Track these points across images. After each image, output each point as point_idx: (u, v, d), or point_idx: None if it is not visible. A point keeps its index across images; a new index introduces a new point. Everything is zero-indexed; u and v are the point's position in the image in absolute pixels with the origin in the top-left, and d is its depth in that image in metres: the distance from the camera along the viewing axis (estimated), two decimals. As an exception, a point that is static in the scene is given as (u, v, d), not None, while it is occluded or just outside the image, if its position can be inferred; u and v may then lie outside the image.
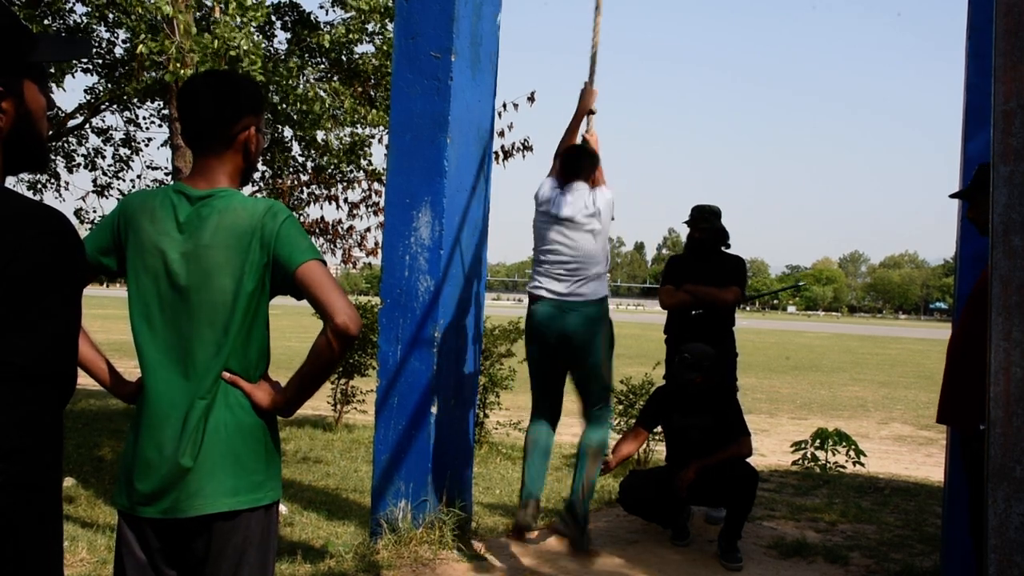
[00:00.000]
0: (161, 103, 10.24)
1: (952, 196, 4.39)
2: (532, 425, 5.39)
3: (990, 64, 1.73)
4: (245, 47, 7.23)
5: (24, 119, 1.52)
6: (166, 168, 9.78)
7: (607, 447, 5.41)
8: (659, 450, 8.69)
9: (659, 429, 6.47)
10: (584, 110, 5.49)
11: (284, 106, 9.18)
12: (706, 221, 6.23)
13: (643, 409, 6.01)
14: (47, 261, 1.36)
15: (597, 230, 5.15)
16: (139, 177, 12.38)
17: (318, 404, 11.52)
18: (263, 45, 8.94)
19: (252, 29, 7.37)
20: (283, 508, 6.14)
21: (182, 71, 6.86)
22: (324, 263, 2.26)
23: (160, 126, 12.11)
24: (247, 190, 2.49)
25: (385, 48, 9.65)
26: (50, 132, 1.61)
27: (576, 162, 5.28)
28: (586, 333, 5.13)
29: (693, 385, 5.52)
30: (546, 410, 5.40)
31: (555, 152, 5.49)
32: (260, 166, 9.69)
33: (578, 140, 5.49)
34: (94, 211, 12.06)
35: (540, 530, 5.57)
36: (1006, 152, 1.69)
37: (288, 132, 10.22)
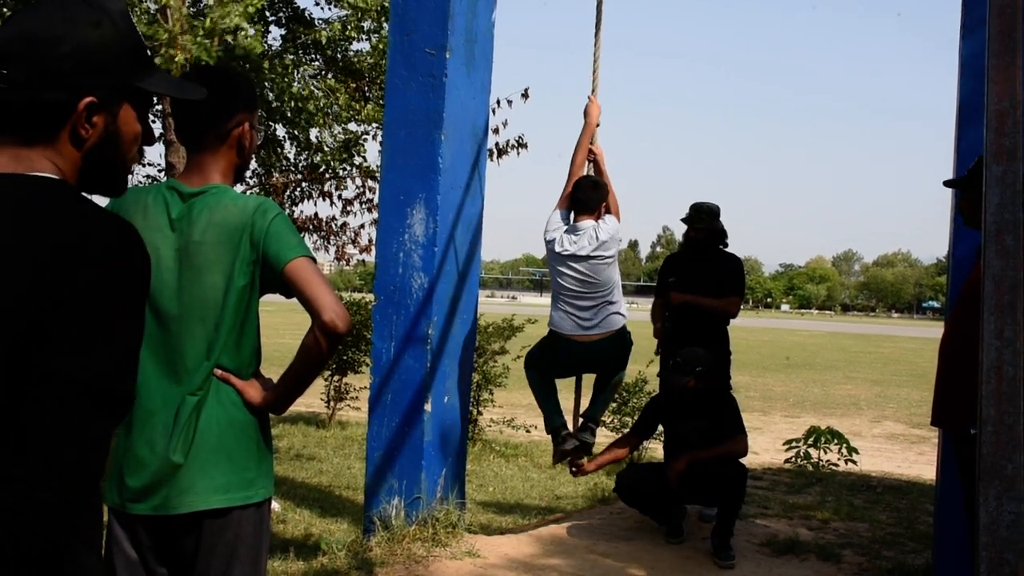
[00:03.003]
0: (155, 98, 10.22)
1: (946, 184, 4.40)
2: (536, 380, 5.75)
3: (983, 64, 1.73)
4: (237, 22, 7.18)
5: (112, 140, 1.47)
6: (159, 164, 9.74)
7: (623, 381, 6.06)
8: (652, 448, 8.70)
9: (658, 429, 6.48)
10: (592, 126, 5.67)
11: (279, 104, 9.14)
12: (703, 221, 6.11)
13: (639, 419, 6.05)
14: (113, 276, 1.32)
15: (606, 259, 5.43)
16: (132, 173, 12.34)
17: (311, 401, 11.50)
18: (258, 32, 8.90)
19: (249, 11, 7.31)
20: (276, 505, 6.13)
21: (176, 57, 6.82)
22: (313, 260, 2.26)
23: (154, 121, 12.08)
24: (239, 187, 2.48)
25: (380, 46, 9.62)
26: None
27: (584, 198, 5.57)
28: (610, 361, 5.62)
29: (686, 390, 5.54)
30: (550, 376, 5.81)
31: (567, 176, 5.70)
32: (252, 163, 9.66)
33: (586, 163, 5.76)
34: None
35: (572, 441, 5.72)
36: (999, 152, 1.69)
37: (281, 130, 10.19)
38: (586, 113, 5.69)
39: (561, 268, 5.48)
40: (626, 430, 8.41)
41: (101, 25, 1.42)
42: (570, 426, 5.73)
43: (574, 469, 5.83)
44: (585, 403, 5.84)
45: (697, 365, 5.52)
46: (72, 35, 1.40)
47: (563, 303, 5.48)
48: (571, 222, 5.58)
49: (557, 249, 5.47)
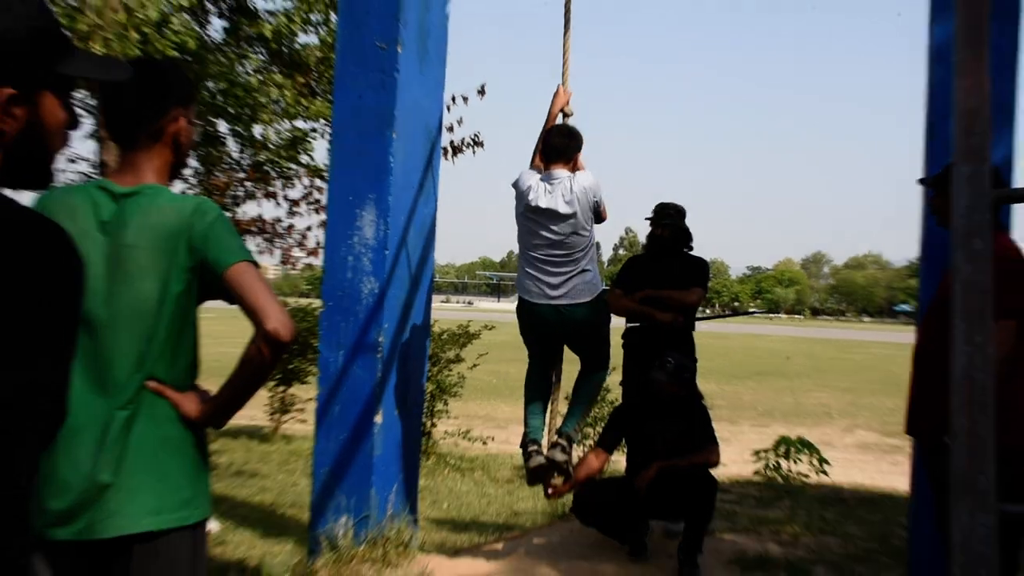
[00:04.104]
0: (87, 91, 10.08)
1: (921, 183, 4.46)
2: (531, 371, 5.71)
3: (952, 57, 1.75)
4: (154, 16, 7.12)
5: (35, 131, 1.44)
6: (91, 161, 9.59)
7: (604, 383, 5.92)
8: (617, 460, 8.73)
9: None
10: (555, 113, 5.62)
11: (220, 98, 9.07)
12: (670, 217, 6.16)
13: (604, 430, 6.02)
14: (45, 283, 1.28)
15: (579, 219, 5.24)
16: (60, 171, 12.18)
17: (254, 413, 11.41)
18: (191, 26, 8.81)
19: (183, 3, 7.25)
20: (214, 526, 6.07)
21: (93, 48, 6.75)
22: (256, 265, 2.24)
23: (80, 115, 11.89)
24: (176, 187, 2.45)
25: (329, 40, 9.58)
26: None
27: (559, 144, 5.40)
28: (584, 332, 5.46)
29: (666, 392, 5.54)
30: (545, 361, 5.72)
31: (533, 152, 5.62)
32: (192, 161, 9.56)
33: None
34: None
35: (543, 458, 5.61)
36: (968, 151, 1.71)
37: (223, 126, 10.11)
38: (553, 98, 5.70)
39: (530, 225, 5.34)
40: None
41: (11, 8, 1.39)
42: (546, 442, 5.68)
43: (549, 491, 5.68)
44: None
45: (686, 372, 5.55)
46: None
47: (531, 265, 5.35)
48: (543, 176, 5.41)
49: (530, 198, 5.28)
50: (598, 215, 5.41)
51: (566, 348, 5.64)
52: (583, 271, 5.31)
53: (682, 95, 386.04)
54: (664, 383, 5.53)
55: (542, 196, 5.27)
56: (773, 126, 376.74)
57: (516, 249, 5.56)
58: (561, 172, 5.33)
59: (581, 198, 5.23)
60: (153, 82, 2.29)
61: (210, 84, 9.00)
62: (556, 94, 5.68)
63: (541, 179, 5.35)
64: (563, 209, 5.22)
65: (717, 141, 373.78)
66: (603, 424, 9.46)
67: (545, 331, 5.46)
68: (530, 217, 5.32)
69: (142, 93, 2.26)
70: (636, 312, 6.08)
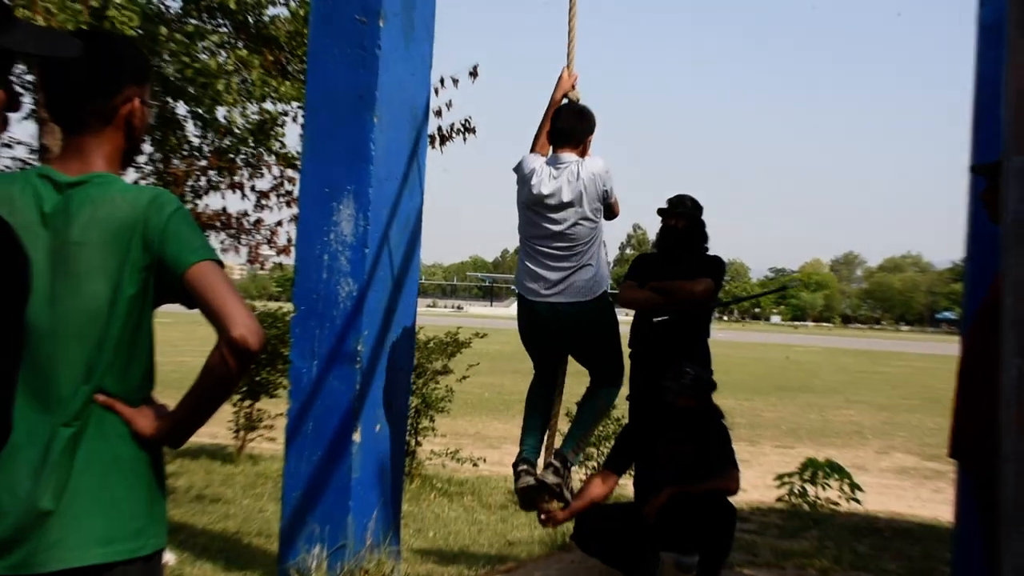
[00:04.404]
0: (24, 66, 10.06)
1: (973, 170, 4.45)
2: (533, 383, 5.73)
3: (1003, 38, 1.75)
4: None
5: None
6: (30, 146, 9.56)
7: (613, 403, 5.88)
8: (624, 484, 8.72)
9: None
10: (557, 101, 5.62)
11: (178, 77, 9.05)
12: (686, 206, 6.13)
13: (612, 450, 5.99)
14: None
15: (584, 208, 5.25)
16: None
17: (216, 431, 11.39)
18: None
19: None
20: (170, 557, 6.05)
21: (32, 17, 6.73)
22: (220, 264, 2.23)
23: (22, 95, 11.83)
24: (130, 176, 2.43)
25: (302, 12, 9.57)
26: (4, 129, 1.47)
27: (567, 127, 5.41)
28: (587, 336, 5.46)
29: (682, 408, 5.51)
30: (547, 372, 5.71)
31: (533, 139, 5.65)
32: (147, 147, 9.54)
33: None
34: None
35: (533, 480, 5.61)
36: (1020, 138, 1.70)
37: (183, 108, 10.08)
38: (557, 83, 5.70)
39: (531, 213, 5.34)
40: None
41: None
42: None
43: (543, 517, 5.64)
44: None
45: (704, 384, 5.53)
46: None
47: (531, 258, 5.36)
48: (549, 160, 5.43)
49: (533, 183, 5.29)
50: (608, 208, 5.41)
51: (573, 360, 5.63)
52: (586, 266, 5.31)
53: (699, 73, 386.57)
54: (679, 395, 5.50)
55: (546, 181, 5.28)
56: (801, 113, 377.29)
57: (512, 248, 5.56)
58: (569, 156, 5.34)
59: (589, 185, 5.24)
60: (103, 57, 2.26)
61: (166, 61, 8.98)
62: (560, 78, 5.68)
63: (546, 163, 5.36)
64: (568, 196, 5.22)
65: (737, 130, 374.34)
66: (609, 443, 9.49)
67: (543, 334, 5.47)
68: (532, 204, 5.33)
69: (91, 69, 2.24)
70: (650, 301, 6.04)
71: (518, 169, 5.46)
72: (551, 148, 5.46)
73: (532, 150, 5.58)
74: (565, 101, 5.64)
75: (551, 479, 5.45)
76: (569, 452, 5.59)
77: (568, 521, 5.71)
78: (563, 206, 5.23)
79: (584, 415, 5.68)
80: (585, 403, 5.68)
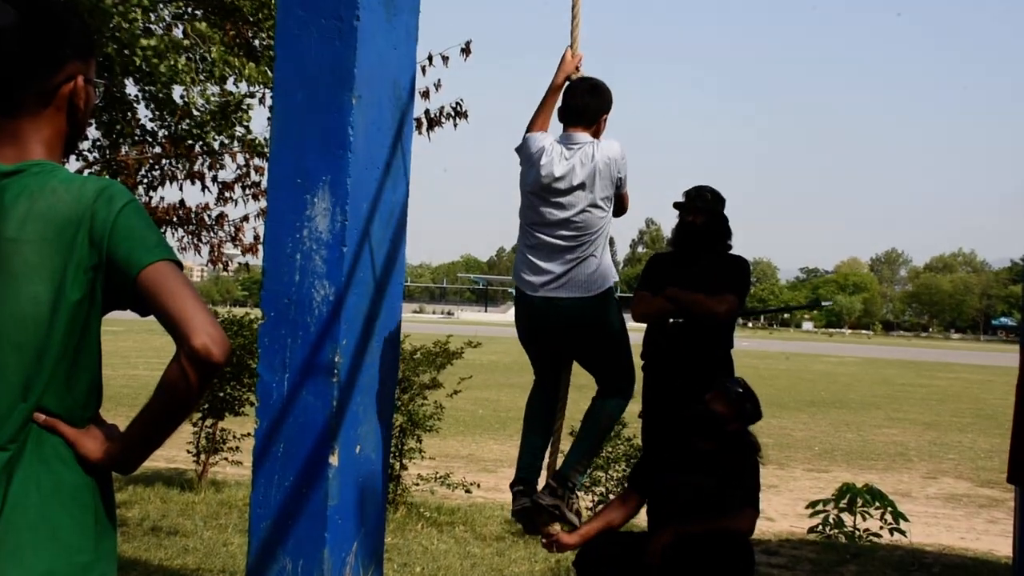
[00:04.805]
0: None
1: None
2: (532, 392, 5.76)
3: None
4: None
5: None
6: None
7: (620, 417, 5.95)
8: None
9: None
10: (560, 83, 5.62)
11: (127, 52, 9.04)
12: (705, 200, 6.09)
13: (634, 468, 5.98)
14: None
15: (596, 194, 5.27)
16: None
17: (174, 454, 11.40)
18: None
19: None
20: (126, 596, 6.05)
21: None
22: (179, 265, 2.23)
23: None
24: (73, 165, 2.43)
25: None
26: None
27: (579, 104, 5.44)
28: (589, 336, 5.47)
29: (718, 430, 5.47)
30: (548, 379, 5.73)
31: (530, 122, 5.64)
32: (92, 131, 9.53)
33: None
34: None
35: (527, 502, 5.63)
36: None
37: (133, 87, 10.07)
38: (559, 65, 5.69)
39: (535, 198, 5.35)
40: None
41: None
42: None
43: (544, 541, 5.66)
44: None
45: (750, 404, 5.54)
46: None
47: (531, 248, 5.38)
48: (559, 138, 5.44)
49: (543, 163, 5.28)
50: (619, 199, 5.42)
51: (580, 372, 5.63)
52: (591, 257, 5.32)
53: (718, 62, 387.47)
54: (721, 413, 5.45)
55: (556, 161, 5.30)
56: (834, 99, 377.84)
57: (509, 246, 5.57)
58: (583, 136, 5.37)
59: (603, 169, 5.26)
60: (42, 29, 2.26)
61: (109, 38, 8.97)
62: (563, 59, 5.67)
63: (557, 141, 5.38)
64: (580, 178, 5.24)
65: (765, 116, 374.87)
66: (620, 466, 9.49)
67: (540, 331, 5.49)
68: (537, 187, 5.34)
69: (27, 42, 2.23)
70: (664, 311, 5.99)
71: (522, 148, 5.47)
72: (563, 122, 5.47)
73: (533, 125, 5.59)
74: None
75: (547, 500, 5.46)
76: (571, 472, 5.57)
77: (577, 547, 5.67)
78: (573, 189, 5.25)
79: (588, 429, 5.65)
80: (589, 416, 5.67)
